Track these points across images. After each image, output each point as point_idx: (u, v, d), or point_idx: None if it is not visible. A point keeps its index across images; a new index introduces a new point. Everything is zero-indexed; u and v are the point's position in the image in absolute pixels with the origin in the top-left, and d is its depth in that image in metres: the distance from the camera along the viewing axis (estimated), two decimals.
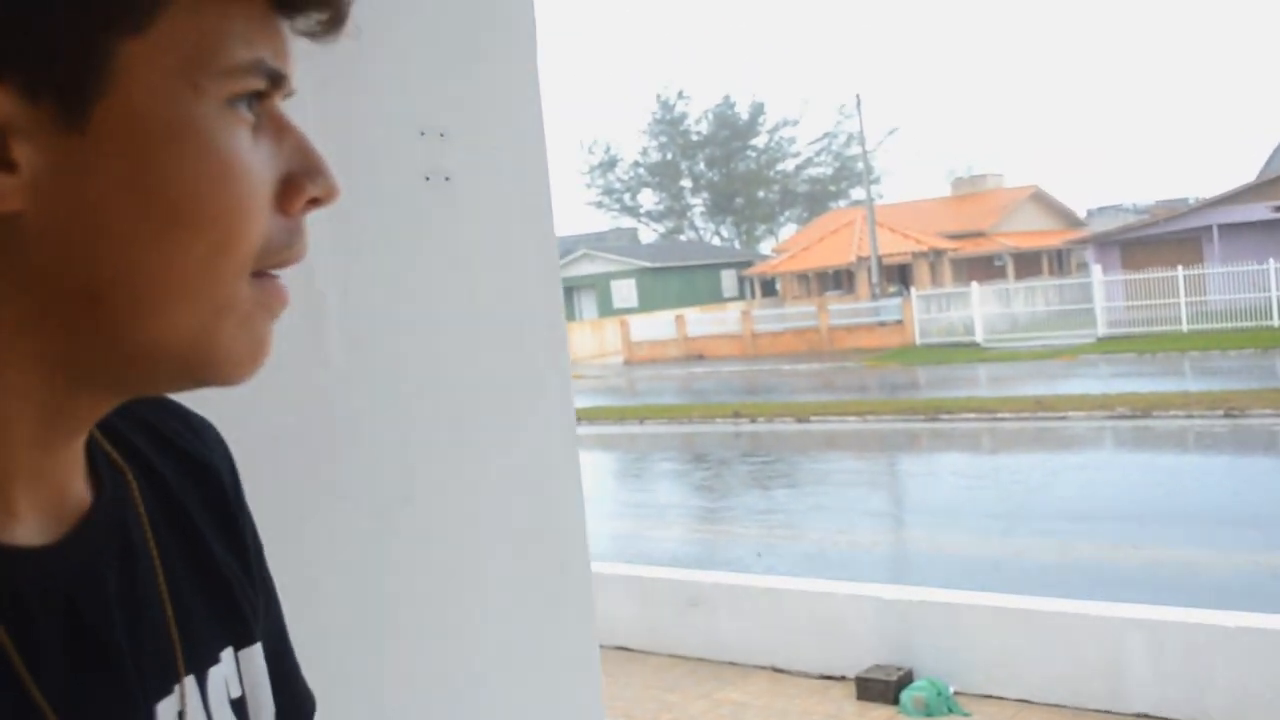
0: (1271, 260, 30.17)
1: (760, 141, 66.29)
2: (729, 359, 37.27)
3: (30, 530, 0.62)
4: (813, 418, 21.21)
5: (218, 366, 0.62)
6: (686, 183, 66.62)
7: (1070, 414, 18.58)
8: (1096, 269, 34.28)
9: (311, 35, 0.63)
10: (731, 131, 65.47)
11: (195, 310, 0.60)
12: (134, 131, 0.57)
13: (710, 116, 65.25)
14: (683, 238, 65.01)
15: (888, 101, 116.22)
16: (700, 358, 38.57)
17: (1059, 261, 48.72)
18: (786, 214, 68.54)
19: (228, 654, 0.74)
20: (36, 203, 0.56)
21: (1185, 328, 30.16)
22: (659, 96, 74.23)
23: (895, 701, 5.65)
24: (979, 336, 32.91)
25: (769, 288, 50.42)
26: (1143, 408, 18.14)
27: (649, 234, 66.89)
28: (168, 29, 0.56)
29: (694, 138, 65.47)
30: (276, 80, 0.61)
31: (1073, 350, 29.06)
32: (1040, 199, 51.46)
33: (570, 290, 52.73)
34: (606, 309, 49.12)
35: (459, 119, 1.54)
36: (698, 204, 68.18)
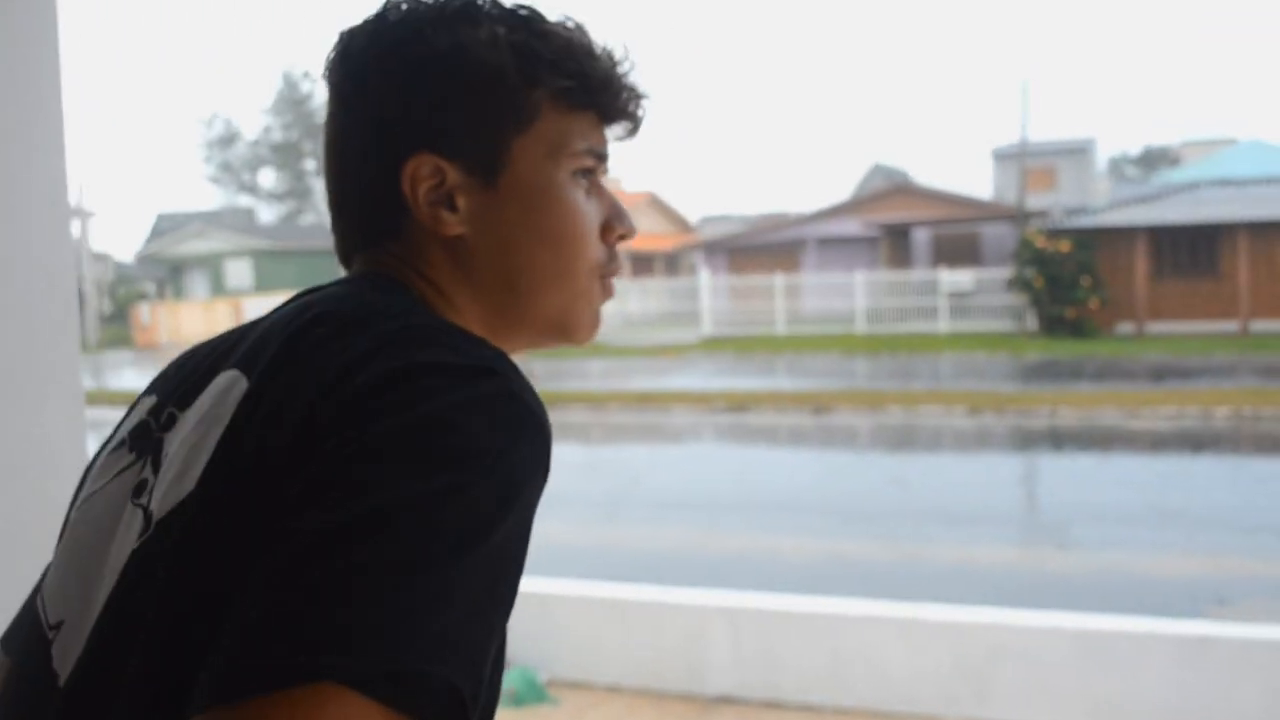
0: (857, 272, 32.66)
1: None
2: None
3: None
4: None
5: (574, 331, 1.03)
6: (310, 164, 64.50)
7: (673, 408, 19.31)
8: (704, 272, 35.93)
9: (618, 138, 1.03)
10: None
11: (562, 293, 1.00)
12: (521, 189, 0.97)
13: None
14: (305, 220, 62.93)
15: None
16: None
17: (672, 264, 50.74)
18: None
19: None
20: (470, 229, 0.96)
21: (782, 330, 32.13)
22: (285, 75, 71.42)
23: None
24: None
25: None
26: (738, 403, 19.11)
27: (269, 214, 64.31)
28: (538, 130, 0.97)
29: (319, 119, 63.36)
30: (601, 159, 1.01)
31: (679, 348, 30.31)
32: (656, 204, 53.34)
33: (180, 269, 49.80)
34: (219, 289, 46.75)
35: None
36: (320, 189, 66.05)
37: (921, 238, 36.50)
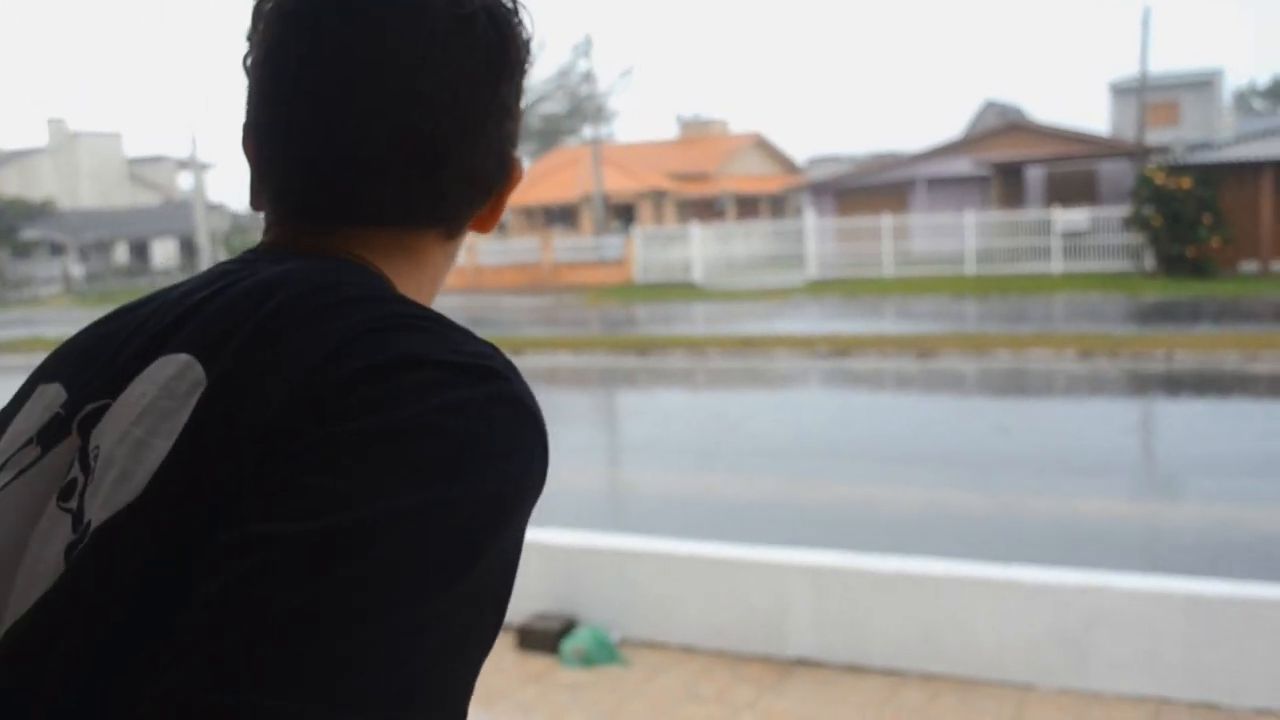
0: (968, 212, 31.78)
1: None
2: (451, 290, 36.57)
3: None
4: (527, 351, 20.95)
5: None
6: None
7: (775, 353, 18.98)
8: (810, 214, 35.33)
9: None
10: None
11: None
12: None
13: None
14: None
15: (624, 43, 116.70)
16: None
17: (778, 207, 50.08)
18: (520, 149, 67.69)
19: None
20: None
21: (890, 273, 31.46)
22: None
23: (556, 651, 5.40)
24: (697, 276, 33.41)
25: None
26: (842, 348, 18.70)
27: None
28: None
29: None
30: None
31: (784, 292, 29.89)
32: (762, 146, 52.68)
33: None
34: None
35: None
36: None
37: (1035, 176, 35.36)
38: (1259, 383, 14.88)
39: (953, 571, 5.11)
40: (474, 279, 37.64)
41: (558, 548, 5.75)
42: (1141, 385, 15.35)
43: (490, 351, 0.79)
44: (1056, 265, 29.52)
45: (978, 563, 5.30)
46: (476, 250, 38.82)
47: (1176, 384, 15.11)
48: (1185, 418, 13.44)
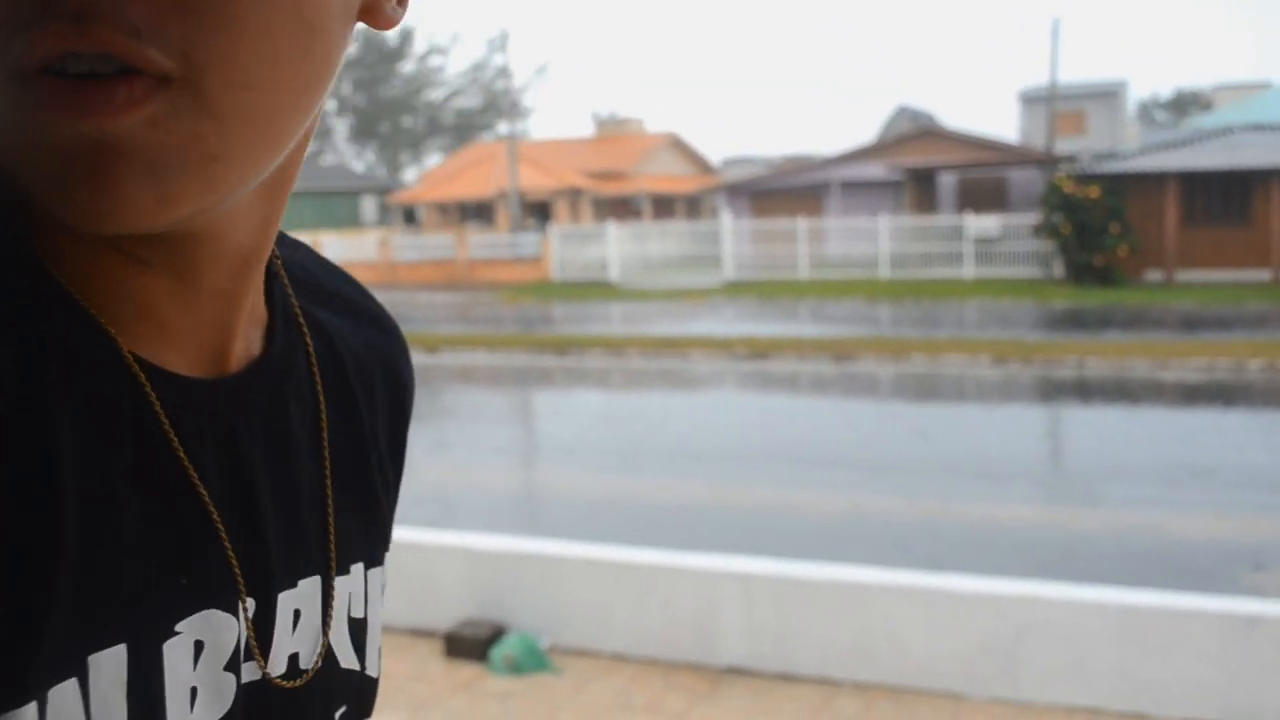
0: (881, 216, 32.13)
1: (408, 68, 64.62)
2: (365, 284, 36.06)
3: (187, 363, 0.62)
4: (443, 349, 20.73)
5: (33, 190, 0.52)
6: (329, 104, 64.06)
7: (693, 354, 18.98)
8: (726, 215, 35.46)
9: None
10: (379, 55, 63.39)
11: None
12: None
13: (357, 37, 62.96)
14: (324, 161, 62.56)
15: (539, 39, 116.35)
16: None
17: (693, 207, 50.21)
18: (433, 143, 67.27)
19: (358, 569, 0.71)
20: None
21: (805, 275, 31.69)
22: None
23: (485, 658, 5.29)
24: (614, 275, 33.36)
25: (411, 216, 49.33)
26: (759, 350, 18.76)
27: None
28: None
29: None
30: None
31: (701, 292, 29.95)
32: (677, 146, 52.75)
33: None
34: None
35: None
36: (341, 127, 65.84)
37: (947, 182, 35.88)
38: (1168, 390, 15.20)
39: (884, 580, 5.10)
40: (389, 274, 37.21)
41: (484, 552, 5.63)
42: (1054, 391, 15.60)
43: None
44: (968, 270, 29.97)
45: (909, 571, 5.30)
46: (391, 245, 38.38)
47: (1088, 391, 15.38)
48: (1098, 424, 13.67)
